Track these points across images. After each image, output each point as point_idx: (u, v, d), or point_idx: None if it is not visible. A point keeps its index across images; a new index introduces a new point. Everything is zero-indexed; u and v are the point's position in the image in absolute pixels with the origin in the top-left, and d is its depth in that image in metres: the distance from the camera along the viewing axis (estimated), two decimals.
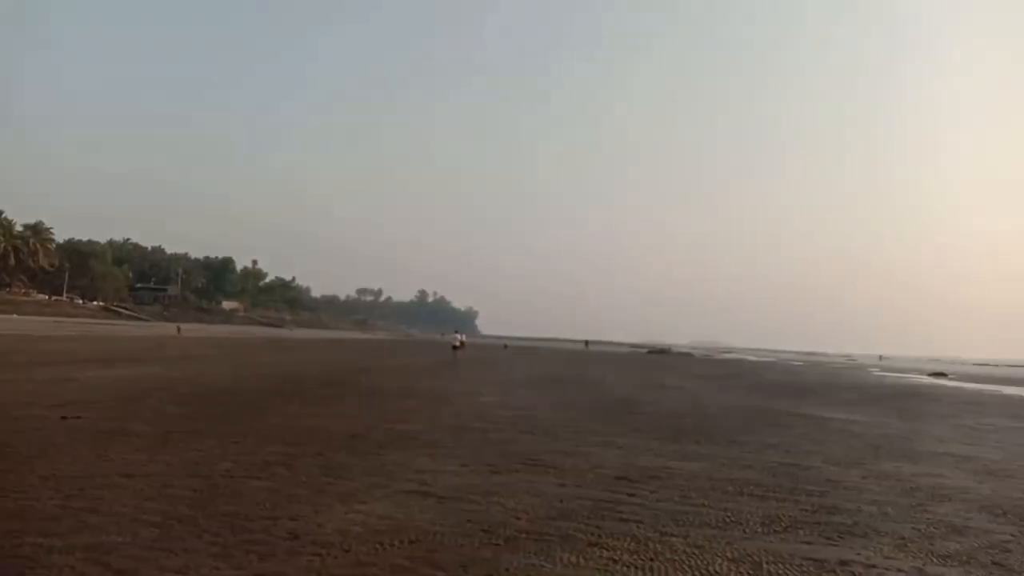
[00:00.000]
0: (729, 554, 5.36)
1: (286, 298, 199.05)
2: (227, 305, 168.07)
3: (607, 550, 5.31)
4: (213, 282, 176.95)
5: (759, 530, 6.11)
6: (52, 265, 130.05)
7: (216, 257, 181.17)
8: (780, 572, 4.99)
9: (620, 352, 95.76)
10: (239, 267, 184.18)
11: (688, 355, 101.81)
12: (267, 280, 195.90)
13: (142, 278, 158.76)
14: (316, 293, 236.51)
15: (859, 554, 5.53)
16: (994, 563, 5.45)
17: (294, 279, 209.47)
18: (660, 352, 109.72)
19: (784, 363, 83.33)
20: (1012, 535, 6.33)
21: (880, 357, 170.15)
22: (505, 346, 77.73)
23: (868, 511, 7.03)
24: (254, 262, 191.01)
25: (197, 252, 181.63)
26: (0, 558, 4.48)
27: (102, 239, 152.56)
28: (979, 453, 11.66)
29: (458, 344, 49.49)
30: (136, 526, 5.32)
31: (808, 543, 5.79)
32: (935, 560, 5.46)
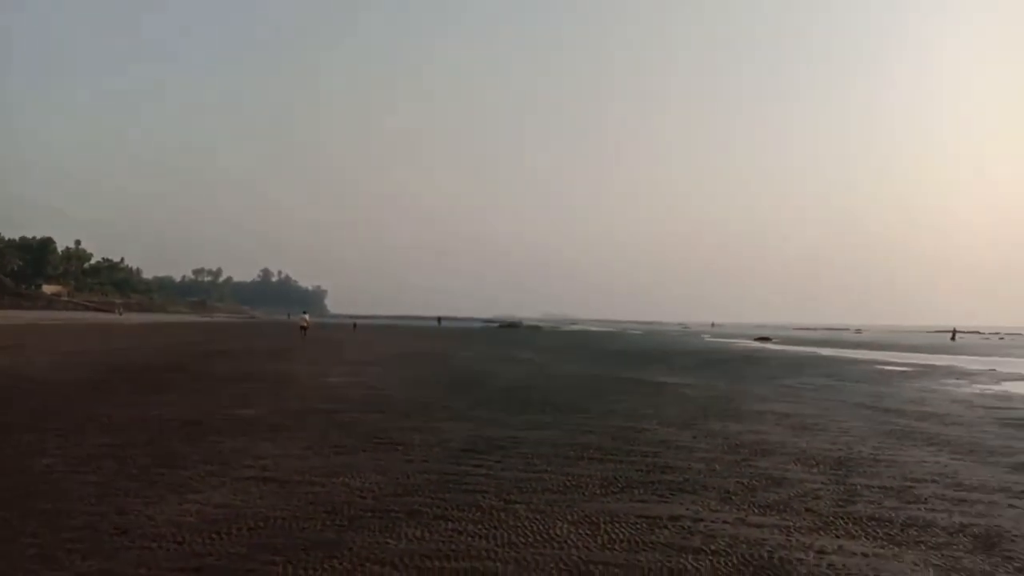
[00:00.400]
0: (570, 517, 5.57)
1: (114, 280, 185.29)
2: (48, 289, 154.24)
3: (452, 522, 5.37)
4: (31, 265, 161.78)
5: (598, 492, 6.39)
6: None
7: (33, 237, 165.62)
8: (616, 531, 5.24)
9: (472, 328, 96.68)
10: (60, 248, 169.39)
11: (537, 328, 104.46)
12: (93, 262, 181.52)
13: None
14: (148, 274, 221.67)
15: (688, 509, 5.91)
16: (807, 509, 5.99)
17: (123, 260, 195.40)
18: (511, 326, 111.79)
19: (625, 333, 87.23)
20: (823, 483, 6.97)
21: (712, 324, 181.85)
22: (355, 325, 76.29)
23: (697, 468, 7.52)
24: (77, 242, 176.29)
25: (11, 232, 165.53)
26: None
27: None
28: (797, 410, 12.74)
29: (305, 324, 48.39)
30: None
31: (642, 501, 6.12)
32: (756, 510, 5.92)
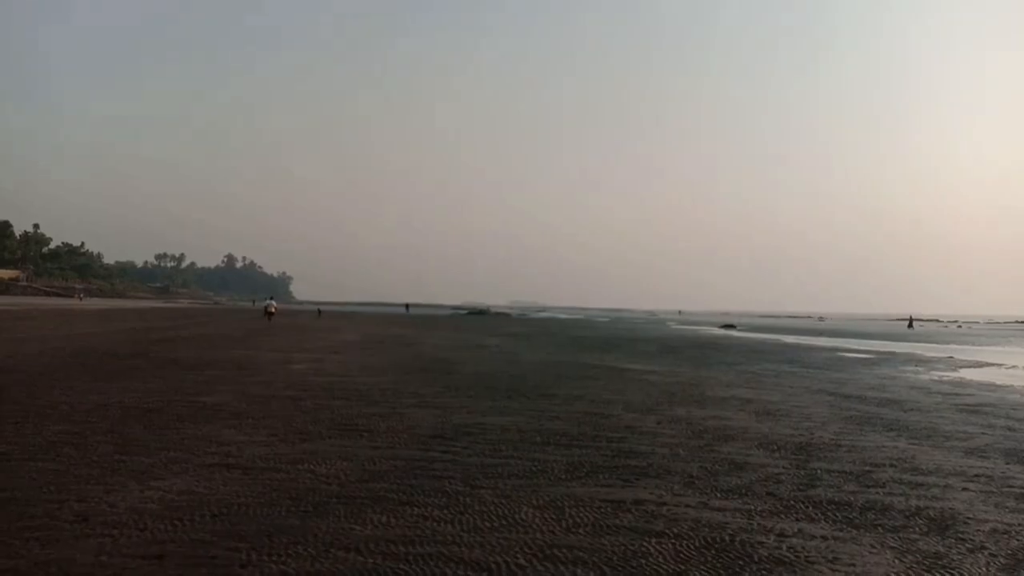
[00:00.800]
0: (535, 501, 5.60)
1: (75, 265, 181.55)
2: (4, 274, 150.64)
3: (418, 507, 5.37)
4: None
5: (563, 477, 6.44)
6: None
7: None
8: (581, 515, 5.28)
9: (441, 314, 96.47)
10: (18, 232, 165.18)
11: (506, 315, 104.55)
12: (52, 246, 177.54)
13: None
14: (109, 259, 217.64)
15: (652, 493, 5.97)
16: (768, 493, 6.08)
17: (84, 245, 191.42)
18: (479, 313, 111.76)
19: (592, 320, 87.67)
20: (784, 468, 7.09)
21: (680, 312, 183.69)
22: (319, 312, 75.69)
23: (661, 453, 7.60)
24: (35, 226, 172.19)
25: None
26: None
27: None
28: (759, 396, 12.93)
29: (272, 310, 48.43)
30: None
31: (607, 486, 6.17)
32: (719, 495, 6.01)
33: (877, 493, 6.20)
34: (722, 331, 56.48)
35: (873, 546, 4.79)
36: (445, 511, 5.30)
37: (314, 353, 20.84)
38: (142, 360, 16.76)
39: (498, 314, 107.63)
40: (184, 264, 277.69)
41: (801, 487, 6.33)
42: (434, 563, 4.25)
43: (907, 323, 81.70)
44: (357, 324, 49.52)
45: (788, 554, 4.58)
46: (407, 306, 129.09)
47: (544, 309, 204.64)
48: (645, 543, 4.70)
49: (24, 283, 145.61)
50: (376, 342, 27.94)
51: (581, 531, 4.92)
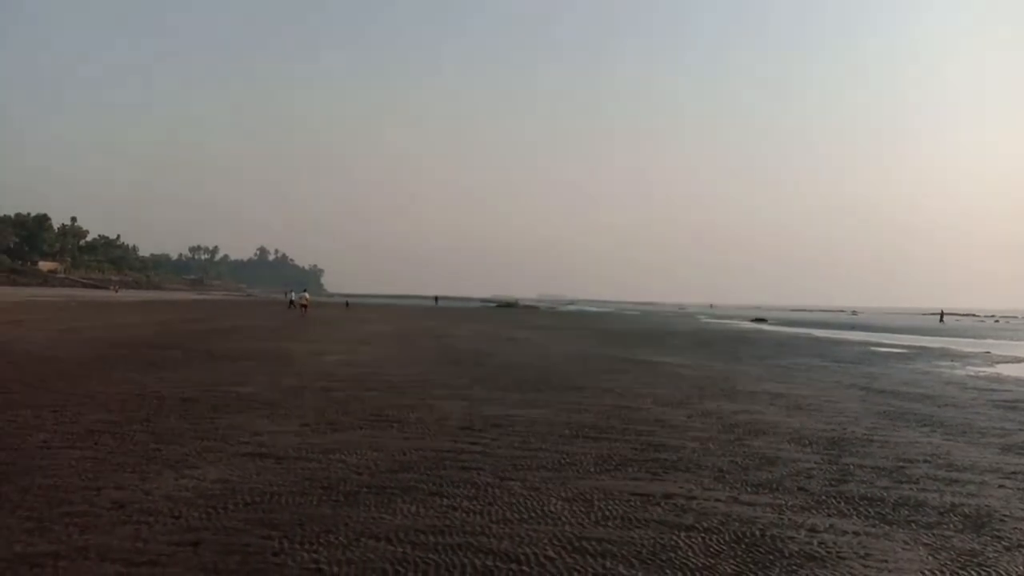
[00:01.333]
0: (563, 494, 5.62)
1: (111, 257, 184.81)
2: (44, 266, 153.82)
3: (447, 498, 5.41)
4: (27, 242, 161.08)
5: (592, 470, 6.44)
6: None
7: (28, 214, 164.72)
8: (610, 507, 5.29)
9: (470, 307, 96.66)
10: (56, 225, 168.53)
11: (534, 308, 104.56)
12: (89, 239, 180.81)
13: None
14: (144, 252, 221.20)
15: (682, 487, 5.95)
16: (799, 488, 6.03)
17: (119, 237, 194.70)
18: (508, 306, 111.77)
19: (622, 313, 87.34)
20: (816, 463, 7.02)
21: (711, 306, 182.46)
22: (347, 303, 76.32)
23: (691, 447, 7.57)
24: (73, 219, 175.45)
25: (5, 209, 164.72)
26: None
27: None
28: (790, 390, 12.80)
29: (305, 303, 49.43)
30: None
31: (636, 479, 6.16)
32: (749, 489, 5.97)
33: (911, 489, 6.12)
34: (752, 325, 55.96)
35: (906, 543, 4.73)
36: (474, 502, 5.33)
37: (345, 345, 21.04)
38: (177, 351, 17.05)
39: (527, 307, 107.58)
40: (217, 256, 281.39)
41: (833, 482, 6.27)
42: (463, 553, 4.28)
43: (938, 317, 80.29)
44: (387, 316, 49.85)
45: (819, 549, 4.54)
46: (436, 299, 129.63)
47: (573, 302, 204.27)
48: (675, 536, 4.69)
49: (62, 275, 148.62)
50: (406, 334, 28.12)
51: (610, 524, 4.92)
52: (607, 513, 5.15)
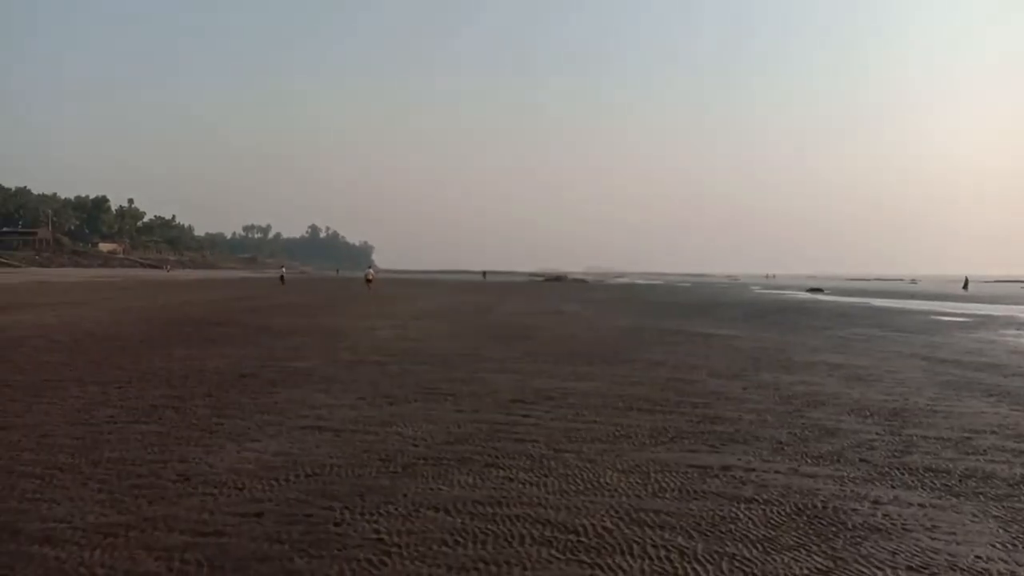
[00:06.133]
0: (619, 466, 5.59)
1: (167, 237, 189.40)
2: (104, 247, 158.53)
3: (503, 469, 5.43)
4: (87, 223, 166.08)
5: (647, 442, 6.40)
6: None
7: (88, 196, 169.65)
8: (666, 480, 5.25)
9: (518, 281, 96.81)
10: (115, 207, 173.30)
11: (583, 282, 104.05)
12: (146, 219, 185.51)
13: (7, 222, 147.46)
14: (200, 231, 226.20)
15: (740, 459, 5.88)
16: (861, 460, 5.91)
17: (175, 217, 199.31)
18: (556, 280, 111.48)
19: (672, 285, 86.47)
20: (877, 434, 6.87)
21: (767, 276, 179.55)
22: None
23: (748, 419, 7.46)
24: (130, 201, 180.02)
25: (67, 192, 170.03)
26: None
27: None
28: (849, 361, 12.53)
29: (370, 278, 52.37)
30: (12, 479, 5.04)
31: (693, 451, 6.11)
32: (809, 461, 5.86)
33: (978, 460, 5.95)
34: (808, 295, 54.83)
35: (975, 515, 4.60)
36: (530, 474, 5.34)
37: (396, 320, 21.25)
38: (235, 327, 17.43)
39: (575, 280, 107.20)
40: (271, 235, 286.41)
41: (896, 454, 6.12)
42: (521, 524, 4.30)
43: (962, 284, 74.30)
44: (436, 291, 50.20)
45: (883, 521, 4.44)
46: (484, 273, 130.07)
47: (622, 275, 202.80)
48: (734, 508, 4.64)
49: (121, 255, 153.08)
50: (455, 309, 28.28)
51: (668, 495, 4.89)
52: (664, 485, 5.12)
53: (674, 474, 5.40)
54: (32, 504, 4.54)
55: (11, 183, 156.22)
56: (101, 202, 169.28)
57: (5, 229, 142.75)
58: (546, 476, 5.29)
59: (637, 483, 5.15)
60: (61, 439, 6.19)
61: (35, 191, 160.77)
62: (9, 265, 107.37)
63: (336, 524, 4.26)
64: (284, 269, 68.31)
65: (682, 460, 5.81)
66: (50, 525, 4.19)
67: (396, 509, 4.52)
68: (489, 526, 4.26)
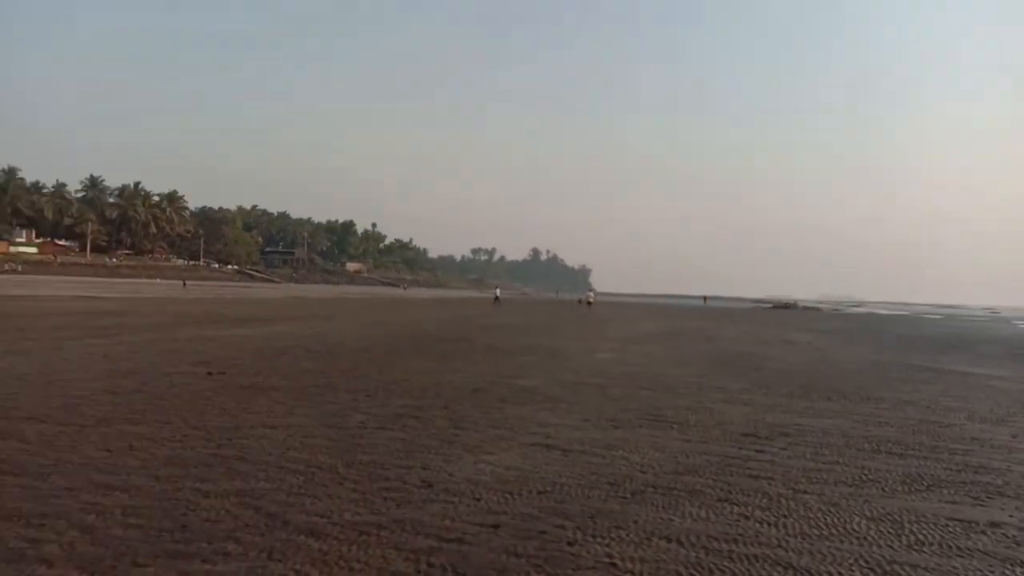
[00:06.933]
0: (868, 513, 5.16)
1: (405, 259, 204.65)
2: (351, 266, 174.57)
3: (737, 505, 5.21)
4: (337, 245, 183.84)
5: (899, 489, 5.84)
6: (188, 232, 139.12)
7: (338, 221, 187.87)
8: (924, 532, 4.76)
9: (742, 307, 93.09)
10: (360, 230, 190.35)
11: (815, 310, 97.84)
12: (387, 242, 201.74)
13: (270, 242, 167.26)
14: (433, 254, 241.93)
15: (1011, 516, 5.20)
16: None
17: (412, 240, 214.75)
18: (785, 307, 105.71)
19: (918, 317, 78.72)
20: None
21: None
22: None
23: (1020, 471, 6.59)
24: (374, 225, 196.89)
25: (319, 216, 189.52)
26: (161, 501, 4.86)
27: (231, 206, 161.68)
28: None
29: (591, 300, 55.25)
30: (282, 473, 5.64)
31: (953, 503, 5.49)
32: None
33: None
34: None
35: None
36: (767, 513, 5.07)
37: (615, 343, 21.25)
38: (465, 344, 18.35)
39: (806, 308, 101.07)
40: (495, 258, 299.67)
41: None
42: (760, 565, 4.09)
43: None
44: (655, 315, 49.59)
45: None
46: (705, 298, 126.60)
47: (860, 304, 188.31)
48: (1007, 571, 4.10)
49: (365, 274, 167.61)
50: (676, 334, 27.74)
51: (926, 550, 4.42)
52: (921, 538, 4.64)
53: (932, 526, 4.89)
54: (297, 498, 5.04)
55: (274, 208, 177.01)
56: (349, 226, 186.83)
57: (268, 249, 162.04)
58: (785, 517, 4.99)
59: (889, 533, 4.72)
60: (319, 440, 6.83)
61: (294, 215, 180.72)
62: (271, 281, 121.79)
63: (569, 544, 4.31)
64: (498, 291, 74.50)
65: (940, 511, 5.24)
66: (313, 519, 4.63)
67: (627, 535, 4.49)
68: (726, 563, 4.10)
